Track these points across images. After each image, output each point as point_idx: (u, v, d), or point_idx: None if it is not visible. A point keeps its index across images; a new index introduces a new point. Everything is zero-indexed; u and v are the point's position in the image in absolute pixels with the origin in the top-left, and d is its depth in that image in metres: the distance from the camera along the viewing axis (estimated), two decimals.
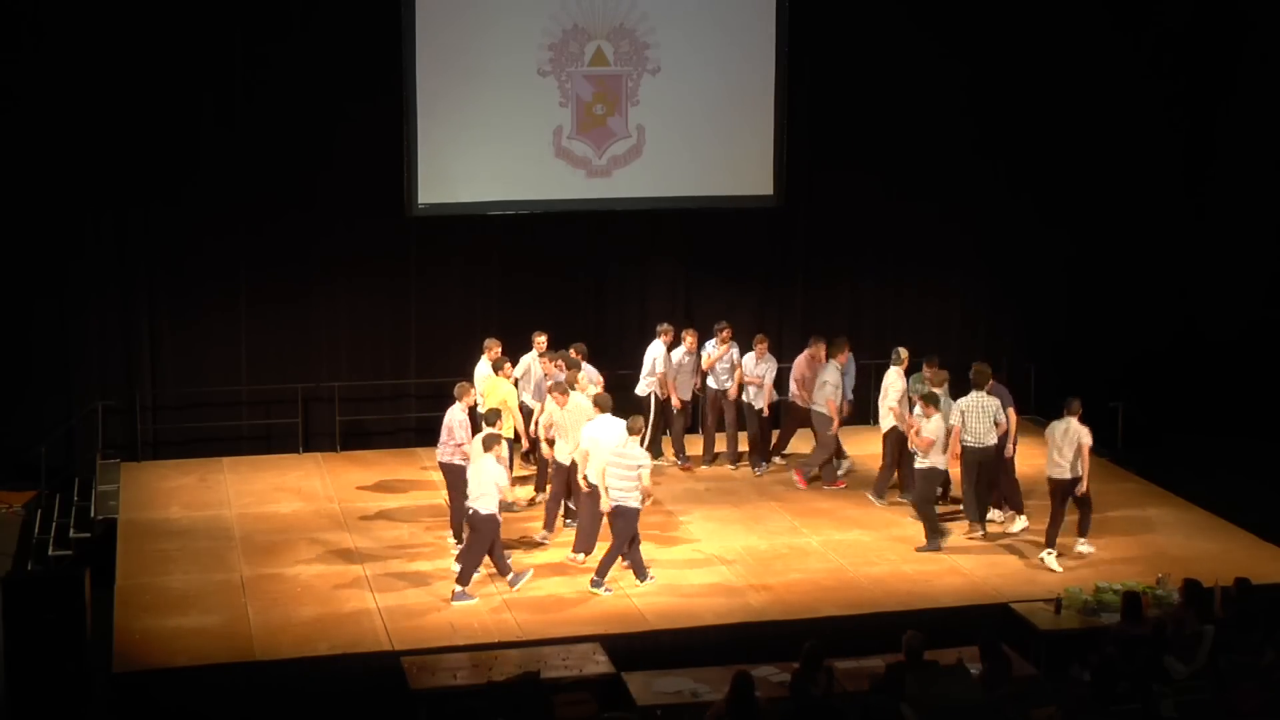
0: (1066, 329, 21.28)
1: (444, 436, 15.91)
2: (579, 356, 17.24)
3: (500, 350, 17.13)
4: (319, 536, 16.56)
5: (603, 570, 15.18)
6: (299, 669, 13.72)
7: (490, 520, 14.80)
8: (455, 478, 15.66)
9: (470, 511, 14.85)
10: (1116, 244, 21.32)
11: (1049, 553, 15.97)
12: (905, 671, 11.95)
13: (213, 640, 14.07)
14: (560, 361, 17.10)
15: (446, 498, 16.41)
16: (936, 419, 16.26)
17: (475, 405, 16.39)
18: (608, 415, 15.62)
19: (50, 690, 13.09)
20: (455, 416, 15.91)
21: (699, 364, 18.60)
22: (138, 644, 13.94)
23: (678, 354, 18.47)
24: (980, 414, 16.42)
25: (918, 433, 16.33)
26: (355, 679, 13.65)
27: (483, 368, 17.20)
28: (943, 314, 20.50)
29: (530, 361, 17.61)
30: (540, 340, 17.64)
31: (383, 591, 15.11)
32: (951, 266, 21.01)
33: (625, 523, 15.16)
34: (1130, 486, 18.47)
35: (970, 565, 15.97)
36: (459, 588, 14.87)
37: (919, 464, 16.47)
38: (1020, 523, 16.79)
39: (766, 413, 18.46)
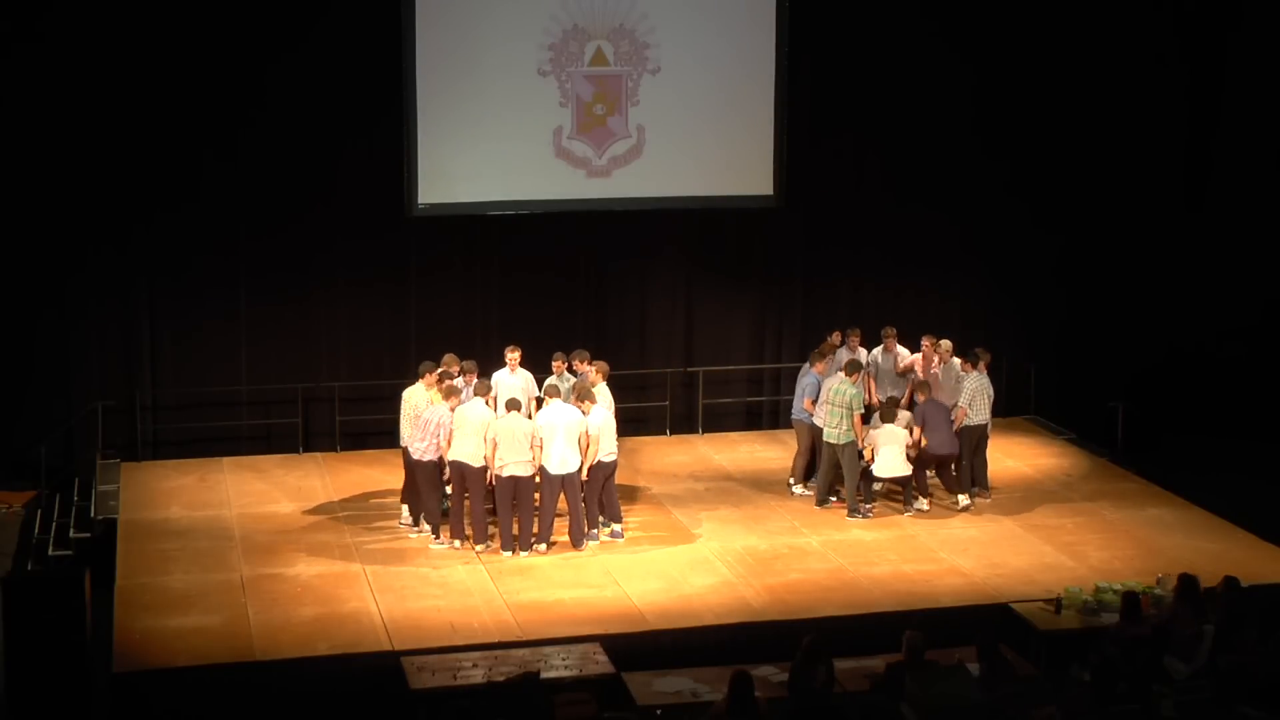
0: (1066, 330, 21.27)
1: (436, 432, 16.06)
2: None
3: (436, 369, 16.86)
4: (319, 536, 16.56)
5: (578, 538, 16.11)
6: (299, 669, 13.71)
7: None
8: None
9: (610, 459, 16.18)
10: (1116, 246, 21.30)
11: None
12: (905, 671, 11.95)
13: (213, 640, 14.06)
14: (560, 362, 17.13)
15: (453, 497, 16.40)
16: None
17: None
18: (557, 402, 16.14)
19: (50, 690, 13.08)
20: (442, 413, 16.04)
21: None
22: (138, 644, 13.93)
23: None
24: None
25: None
26: (355, 679, 13.64)
27: (502, 375, 17.12)
28: (943, 314, 20.47)
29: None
30: (581, 362, 17.24)
31: (383, 591, 15.11)
32: (951, 266, 20.99)
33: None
34: (1130, 486, 18.46)
35: (970, 565, 15.98)
36: (617, 526, 16.42)
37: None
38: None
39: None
